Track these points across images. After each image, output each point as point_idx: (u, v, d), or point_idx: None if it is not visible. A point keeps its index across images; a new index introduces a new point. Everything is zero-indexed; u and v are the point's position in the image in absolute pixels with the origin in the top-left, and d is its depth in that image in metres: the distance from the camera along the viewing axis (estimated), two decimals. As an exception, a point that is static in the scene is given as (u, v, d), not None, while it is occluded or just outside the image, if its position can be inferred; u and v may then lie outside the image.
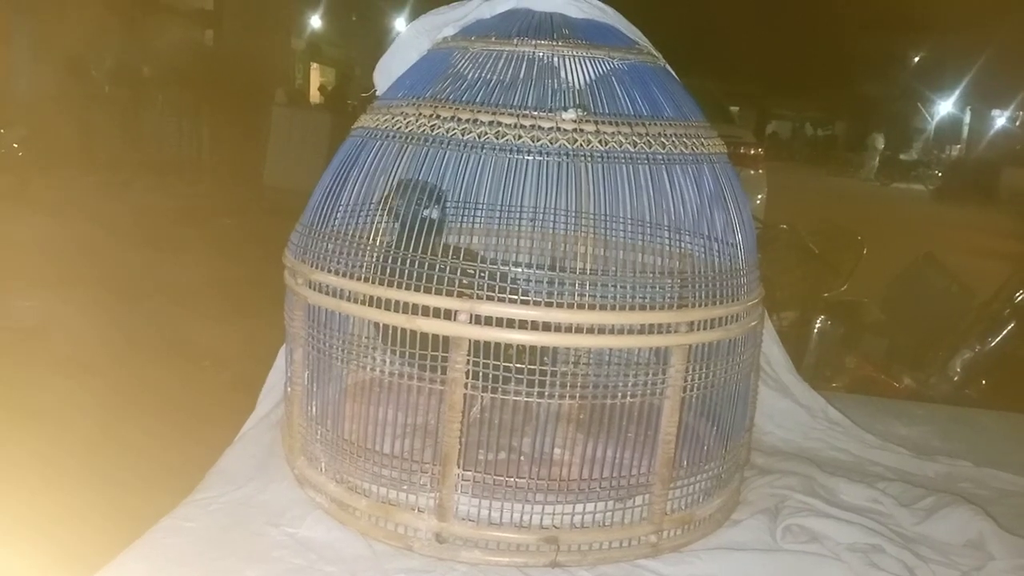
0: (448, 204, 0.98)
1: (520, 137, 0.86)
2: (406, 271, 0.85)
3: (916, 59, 14.67)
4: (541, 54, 0.93)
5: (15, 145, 6.08)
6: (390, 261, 0.86)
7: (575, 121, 0.87)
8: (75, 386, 2.54)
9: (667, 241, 0.93)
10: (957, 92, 15.09)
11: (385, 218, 0.93)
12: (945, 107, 16.46)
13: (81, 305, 3.26)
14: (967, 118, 16.63)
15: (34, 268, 3.53)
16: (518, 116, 0.87)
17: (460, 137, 0.87)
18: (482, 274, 0.84)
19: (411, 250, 0.85)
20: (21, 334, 3.01)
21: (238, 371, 2.75)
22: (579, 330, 0.84)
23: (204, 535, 0.89)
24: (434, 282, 0.84)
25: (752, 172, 4.72)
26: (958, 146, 16.79)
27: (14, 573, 1.64)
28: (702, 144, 0.94)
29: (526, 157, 0.87)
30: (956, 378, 2.05)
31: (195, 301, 3.51)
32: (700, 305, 0.88)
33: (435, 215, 0.92)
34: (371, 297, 0.86)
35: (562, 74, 0.93)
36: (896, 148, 16.27)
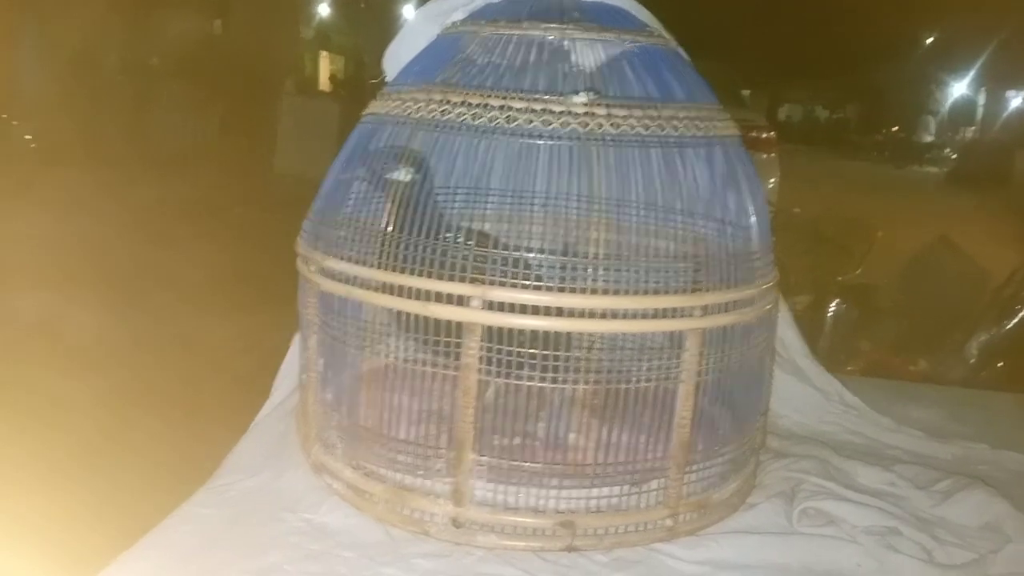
0: (428, 166, 0.93)
1: (531, 121, 0.85)
2: (418, 257, 0.85)
3: (929, 40, 14.51)
4: (551, 38, 0.93)
5: (28, 137, 6.11)
6: (402, 247, 0.86)
7: (586, 105, 0.86)
8: (85, 381, 2.54)
9: (680, 225, 0.93)
10: (971, 73, 14.92)
11: (363, 186, 0.93)
12: (959, 89, 16.29)
13: (94, 297, 3.27)
14: (981, 100, 16.45)
15: (44, 262, 3.53)
16: (529, 100, 0.86)
17: (471, 122, 0.87)
18: (495, 260, 0.83)
19: (404, 217, 0.85)
20: (31, 330, 3.02)
21: (251, 359, 2.76)
22: (592, 315, 0.84)
23: (221, 522, 0.90)
24: (447, 268, 0.84)
25: (764, 156, 4.69)
26: (972, 128, 16.61)
27: (21, 574, 1.64)
28: (714, 126, 0.93)
29: (537, 141, 0.86)
30: (972, 361, 2.04)
31: (207, 290, 3.51)
32: (714, 289, 0.88)
33: (406, 177, 0.91)
34: (384, 283, 0.86)
35: (573, 57, 0.92)
36: (909, 131, 16.10)
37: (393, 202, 0.89)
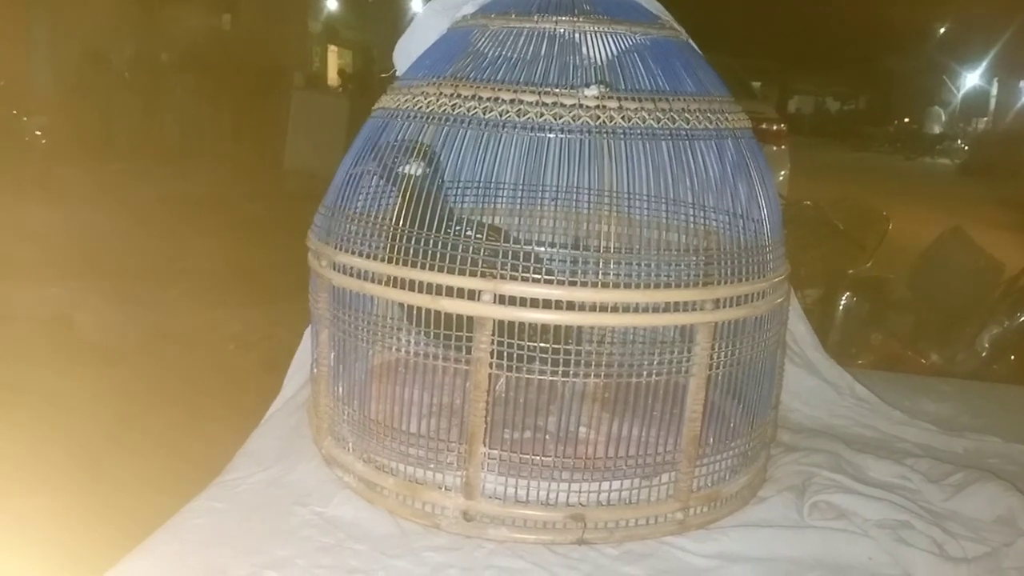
0: (438, 160, 0.94)
1: (542, 115, 0.85)
2: (429, 251, 0.85)
3: (942, 30, 14.40)
4: (562, 30, 0.92)
5: (38, 133, 6.15)
6: (413, 241, 0.86)
7: (597, 98, 0.86)
8: (99, 374, 2.56)
9: (691, 218, 0.93)
10: (984, 63, 14.80)
11: (374, 181, 0.93)
12: (971, 79, 16.16)
13: (105, 293, 3.29)
14: (994, 90, 16.31)
15: (52, 258, 3.55)
16: (540, 93, 0.86)
17: (481, 116, 0.86)
18: (505, 254, 0.83)
19: (415, 213, 0.85)
20: (45, 322, 3.03)
21: (263, 354, 2.78)
22: (603, 309, 0.84)
23: (233, 515, 0.90)
24: (457, 262, 0.84)
25: (775, 148, 4.67)
26: (985, 119, 16.48)
27: (21, 574, 1.65)
28: (726, 119, 0.93)
29: (548, 135, 0.86)
30: (984, 353, 2.03)
31: (219, 286, 3.53)
32: (725, 282, 0.88)
33: (416, 171, 0.91)
34: (395, 278, 0.86)
35: (584, 50, 0.92)
36: (921, 122, 15.99)
37: (404, 196, 0.89)
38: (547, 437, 0.95)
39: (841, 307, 2.17)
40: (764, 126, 4.62)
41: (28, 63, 7.42)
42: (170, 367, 2.72)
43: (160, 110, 7.70)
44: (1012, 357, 2.04)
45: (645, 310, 0.86)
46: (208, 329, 3.11)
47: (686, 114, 0.89)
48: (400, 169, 0.92)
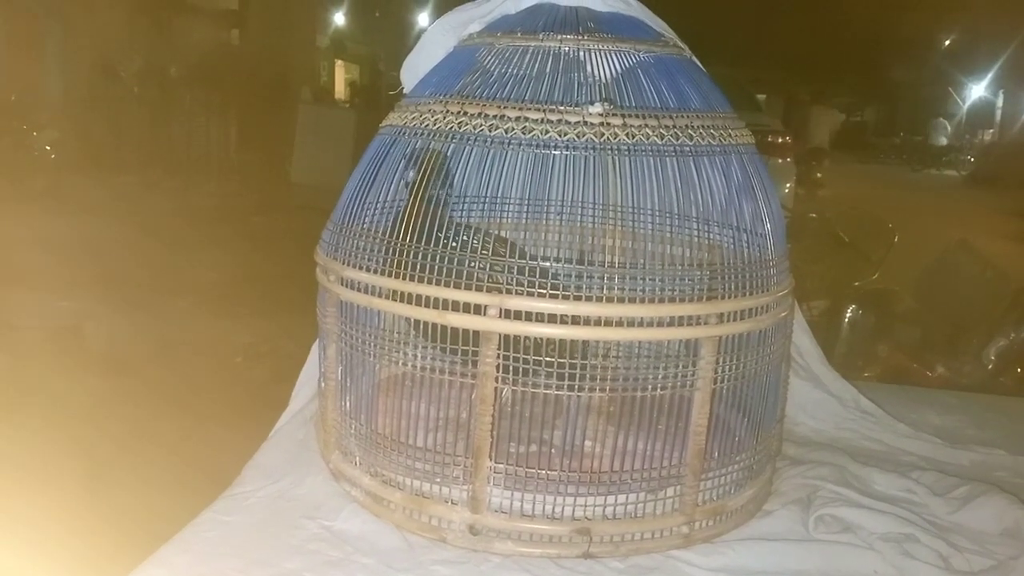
0: (435, 162, 0.94)
1: (547, 132, 0.86)
2: (436, 266, 0.86)
3: (947, 42, 14.41)
4: (567, 48, 0.94)
5: (48, 147, 6.20)
6: (420, 257, 0.87)
7: (602, 115, 0.87)
8: (109, 384, 2.57)
9: (696, 233, 0.94)
10: (990, 75, 14.80)
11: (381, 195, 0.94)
12: (977, 90, 16.14)
13: (114, 304, 3.31)
14: (1000, 101, 16.30)
15: (67, 268, 3.58)
16: (545, 111, 0.87)
17: (487, 133, 0.88)
18: (511, 268, 0.84)
19: (422, 226, 0.86)
20: (56, 333, 3.05)
21: (271, 367, 2.79)
22: (608, 323, 0.85)
23: (242, 528, 0.91)
24: (464, 277, 0.85)
25: (780, 161, 4.68)
26: (991, 130, 16.46)
27: (42, 574, 1.65)
28: (729, 135, 0.94)
29: (553, 152, 0.87)
30: (990, 366, 2.03)
31: (227, 298, 3.55)
32: (730, 296, 0.88)
33: (408, 176, 0.92)
34: (402, 293, 0.87)
35: (588, 68, 0.93)
36: (927, 133, 15.96)
37: (410, 210, 0.90)
38: (553, 451, 0.95)
39: (847, 319, 2.17)
40: (769, 139, 4.63)
41: (39, 77, 7.48)
42: (178, 376, 2.73)
43: (169, 123, 7.73)
44: (1019, 369, 2.03)
45: (650, 324, 0.87)
46: (216, 339, 3.12)
47: (690, 131, 0.90)
48: (407, 179, 0.93)
